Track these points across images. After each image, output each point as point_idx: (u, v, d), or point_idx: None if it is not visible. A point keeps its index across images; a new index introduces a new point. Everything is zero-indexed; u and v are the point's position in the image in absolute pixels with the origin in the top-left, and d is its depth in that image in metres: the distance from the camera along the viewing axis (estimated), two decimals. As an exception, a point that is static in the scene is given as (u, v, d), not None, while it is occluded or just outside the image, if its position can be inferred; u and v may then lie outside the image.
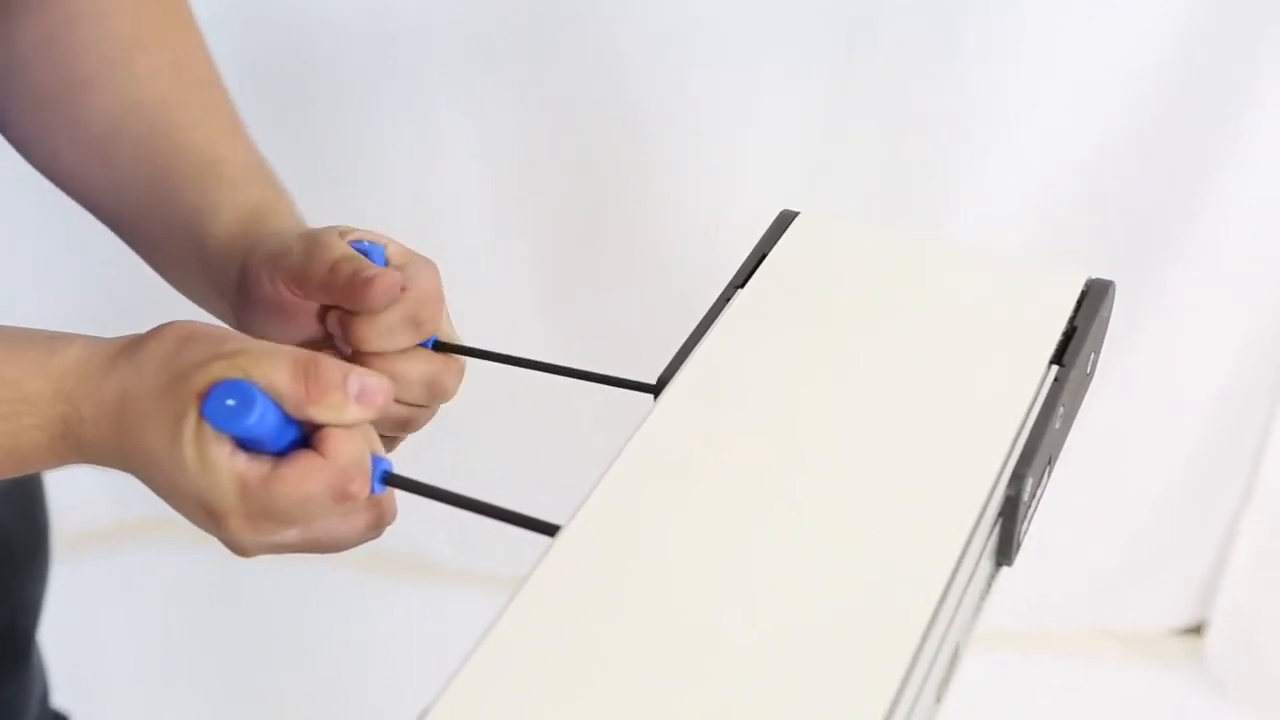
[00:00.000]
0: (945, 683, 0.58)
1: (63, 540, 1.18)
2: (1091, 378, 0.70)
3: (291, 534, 0.61)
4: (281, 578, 1.56)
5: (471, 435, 1.57)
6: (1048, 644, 1.61)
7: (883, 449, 0.61)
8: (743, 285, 0.69)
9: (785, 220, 0.73)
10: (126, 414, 0.60)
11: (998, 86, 1.31)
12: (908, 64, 1.32)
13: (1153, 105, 1.30)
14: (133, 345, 0.62)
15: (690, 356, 0.66)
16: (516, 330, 1.50)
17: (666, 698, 0.52)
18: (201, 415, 0.58)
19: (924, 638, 0.54)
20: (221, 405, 0.57)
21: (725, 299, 0.69)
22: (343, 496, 0.60)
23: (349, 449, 0.60)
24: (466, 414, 1.57)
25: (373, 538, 0.65)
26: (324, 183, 1.45)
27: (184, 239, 0.76)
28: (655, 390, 0.65)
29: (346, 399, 0.60)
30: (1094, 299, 0.68)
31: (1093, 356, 0.69)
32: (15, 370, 0.61)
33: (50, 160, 0.82)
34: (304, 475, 0.59)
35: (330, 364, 0.60)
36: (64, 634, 1.19)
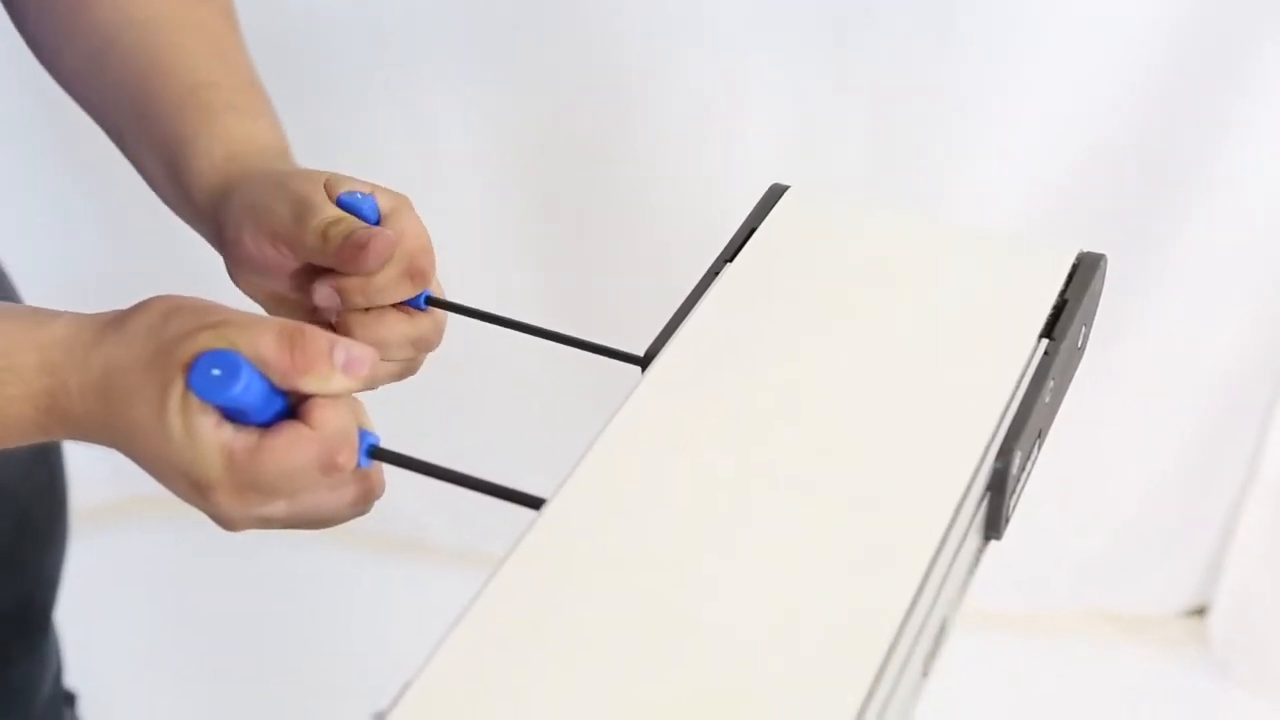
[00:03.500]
0: (932, 656, 0.58)
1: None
2: (1083, 352, 0.70)
3: (278, 507, 0.61)
4: (277, 555, 1.56)
5: (459, 409, 1.57)
6: (1049, 626, 1.61)
7: (870, 422, 0.61)
8: (731, 259, 0.69)
9: (775, 194, 0.72)
10: (113, 386, 0.60)
11: (992, 73, 1.30)
12: (902, 50, 1.31)
13: (1149, 90, 1.29)
14: (119, 319, 0.62)
15: (678, 331, 0.65)
16: (507, 306, 1.49)
17: (648, 672, 0.52)
18: (188, 385, 0.58)
19: (909, 610, 0.54)
20: (207, 375, 0.57)
21: (714, 273, 0.68)
22: (330, 468, 0.60)
23: (335, 420, 0.60)
24: (454, 387, 1.58)
25: (360, 513, 0.65)
26: (314, 161, 1.45)
27: (163, 166, 0.76)
28: (643, 364, 0.64)
29: (333, 369, 0.59)
30: (1085, 272, 0.68)
31: (1084, 330, 0.69)
32: (1, 341, 0.61)
33: (53, 61, 0.83)
34: (290, 446, 0.59)
35: (316, 334, 0.60)
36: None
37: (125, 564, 1.64)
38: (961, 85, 1.31)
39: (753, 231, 0.70)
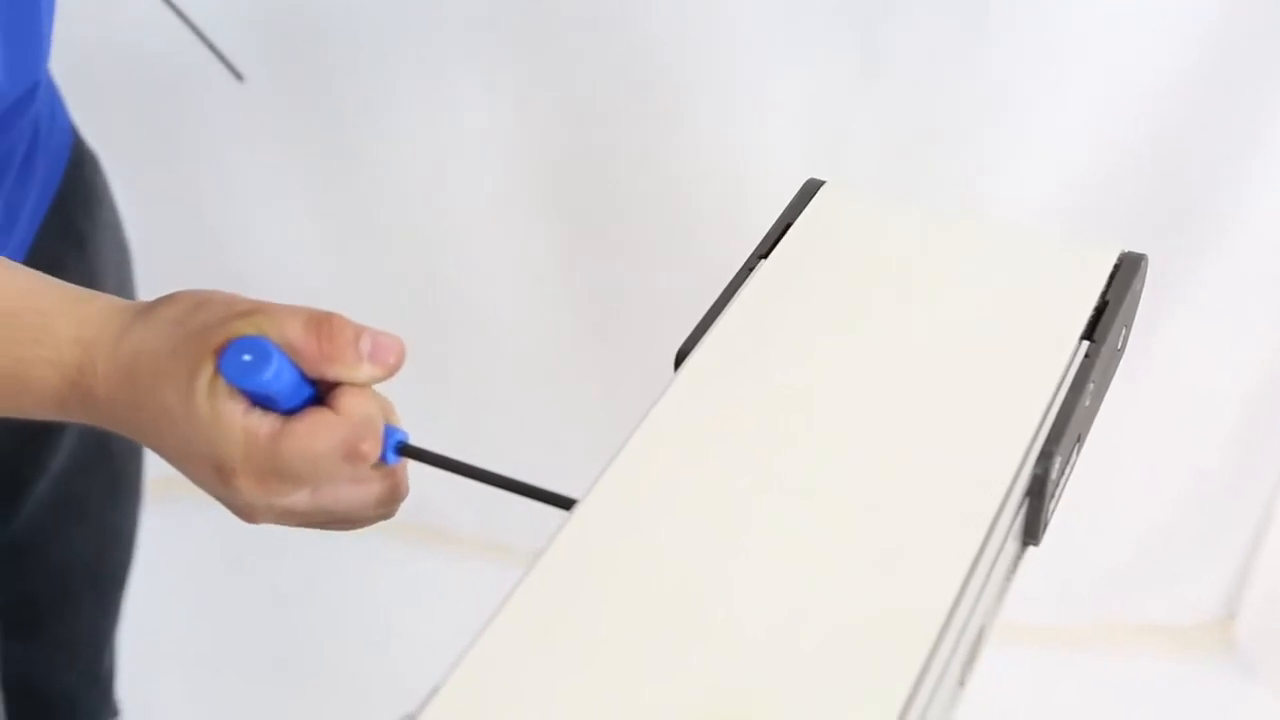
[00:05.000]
0: (970, 664, 0.57)
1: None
2: (1123, 353, 0.69)
3: (301, 496, 0.60)
4: (304, 546, 1.55)
5: (489, 407, 1.56)
6: (1074, 636, 1.59)
7: (908, 423, 0.60)
8: (766, 255, 0.68)
9: (811, 189, 0.71)
10: (140, 371, 0.60)
11: (1029, 66, 1.28)
12: (932, 43, 1.30)
13: (1189, 87, 1.28)
14: (148, 309, 0.62)
15: (711, 328, 0.64)
16: (535, 300, 1.48)
17: (681, 677, 0.50)
18: (217, 370, 0.58)
19: (949, 616, 0.52)
20: (238, 360, 0.57)
21: (748, 269, 0.67)
22: (354, 455, 0.59)
23: (361, 407, 0.59)
24: (485, 386, 1.57)
25: (385, 515, 0.64)
26: (338, 147, 1.45)
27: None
28: (676, 361, 0.63)
29: (360, 357, 0.59)
30: (1126, 272, 0.66)
31: (1124, 332, 0.67)
32: (46, 302, 0.62)
33: None
34: (314, 430, 0.58)
35: (343, 322, 0.59)
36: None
37: (147, 550, 1.63)
38: (993, 79, 1.29)
39: (788, 227, 0.69)
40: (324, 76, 1.41)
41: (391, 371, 0.60)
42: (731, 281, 0.67)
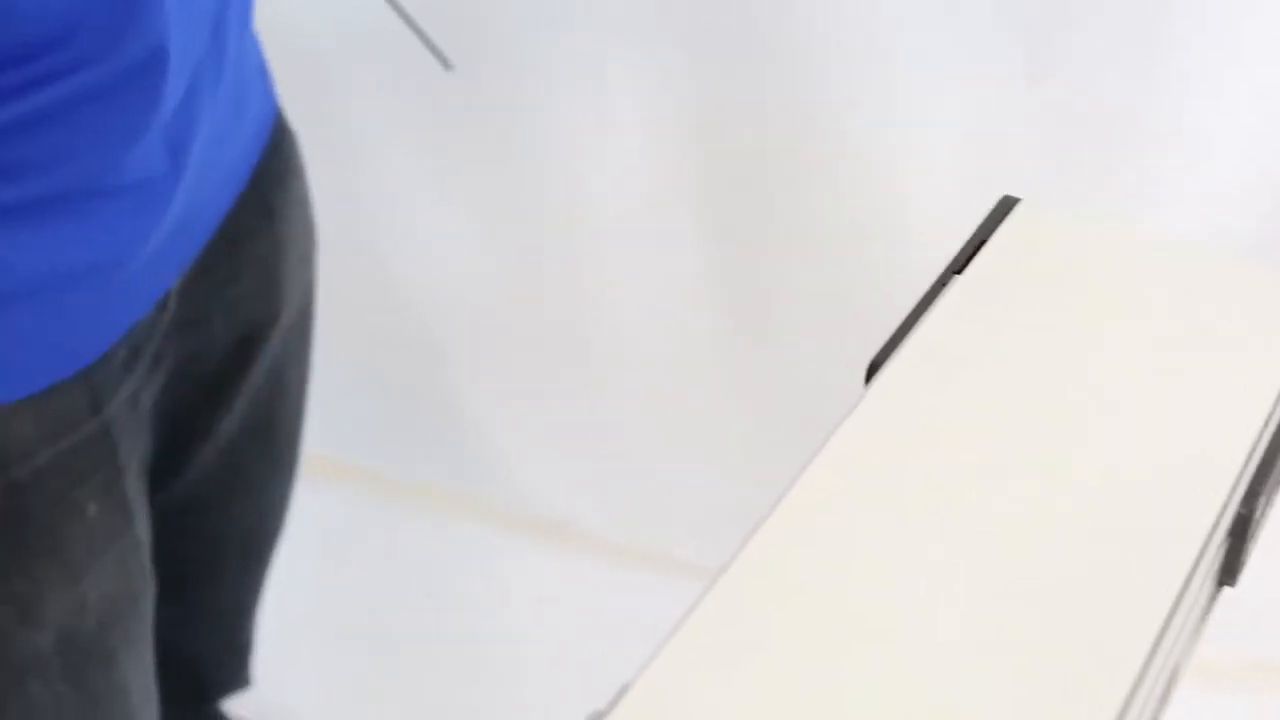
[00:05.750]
0: (1162, 704, 0.55)
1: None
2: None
3: None
4: (425, 531, 1.56)
5: (639, 409, 1.55)
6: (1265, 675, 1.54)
7: (1107, 454, 0.58)
8: (960, 271, 0.66)
9: (1006, 206, 0.70)
10: None
11: (1204, 75, 1.25)
12: (1101, 52, 1.27)
13: None
14: None
15: (905, 342, 0.63)
16: (684, 303, 1.48)
17: (873, 696, 0.49)
18: None
19: (1149, 657, 0.51)
20: None
21: (941, 284, 0.66)
22: None
23: None
24: (635, 388, 1.56)
25: None
26: (492, 141, 1.45)
27: None
28: (867, 374, 0.62)
29: None
30: (1338, 309, 0.64)
31: (1332, 371, 0.65)
32: None
33: None
34: None
35: None
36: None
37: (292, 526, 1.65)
38: (1169, 88, 1.26)
39: (982, 244, 0.68)
40: (479, 70, 1.41)
41: None
42: (925, 296, 0.65)
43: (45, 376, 0.82)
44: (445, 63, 1.07)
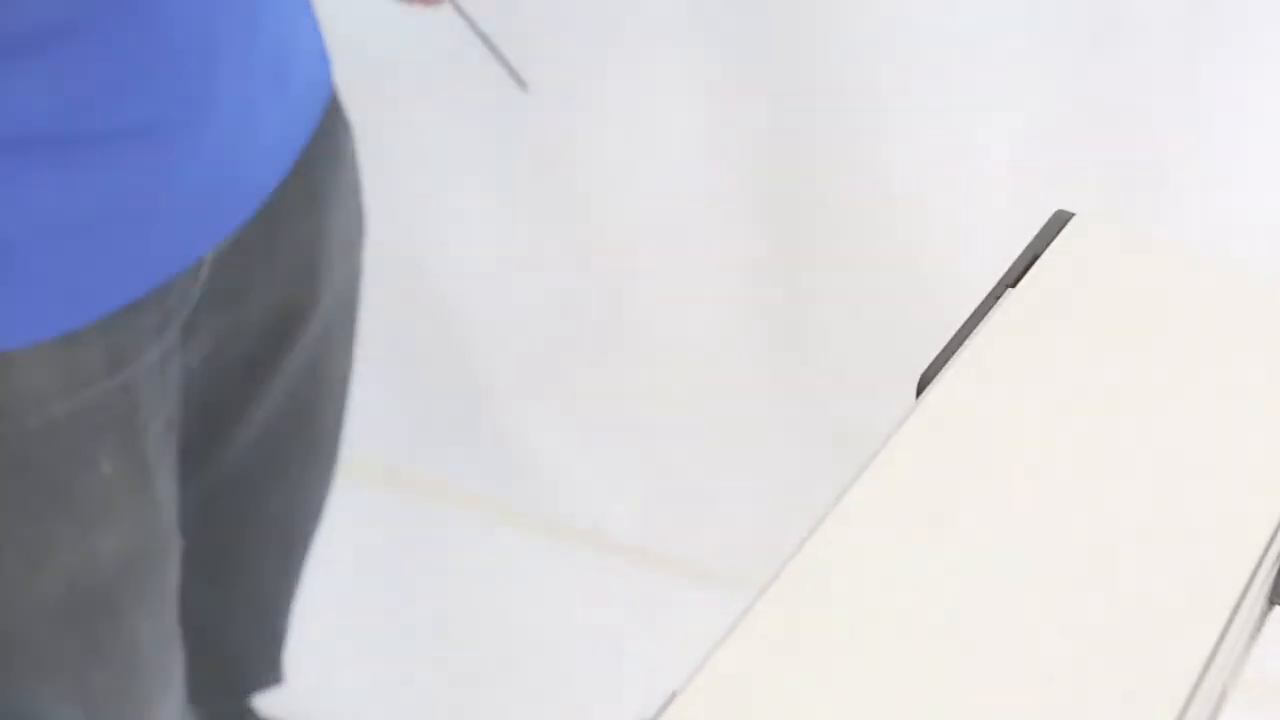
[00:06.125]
0: (1210, 725, 0.55)
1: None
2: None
3: None
4: (462, 538, 1.56)
5: (687, 413, 1.55)
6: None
7: (1159, 472, 0.58)
8: (1014, 285, 0.66)
9: (1060, 221, 0.69)
10: None
11: (1261, 94, 1.24)
12: (1158, 60, 1.26)
13: None
14: None
15: (956, 355, 0.63)
16: (736, 307, 1.48)
17: (924, 705, 0.49)
18: None
19: (1200, 678, 0.51)
20: None
21: (995, 297, 0.66)
22: None
23: None
24: (682, 392, 1.56)
25: None
26: (541, 147, 1.45)
27: None
28: (918, 387, 0.62)
29: None
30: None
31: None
32: None
33: None
34: None
35: None
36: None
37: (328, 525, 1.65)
38: (1227, 108, 1.26)
39: (1036, 258, 0.67)
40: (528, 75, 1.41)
41: None
42: (977, 309, 0.65)
43: (58, 322, 0.83)
44: (521, 84, 1.07)
